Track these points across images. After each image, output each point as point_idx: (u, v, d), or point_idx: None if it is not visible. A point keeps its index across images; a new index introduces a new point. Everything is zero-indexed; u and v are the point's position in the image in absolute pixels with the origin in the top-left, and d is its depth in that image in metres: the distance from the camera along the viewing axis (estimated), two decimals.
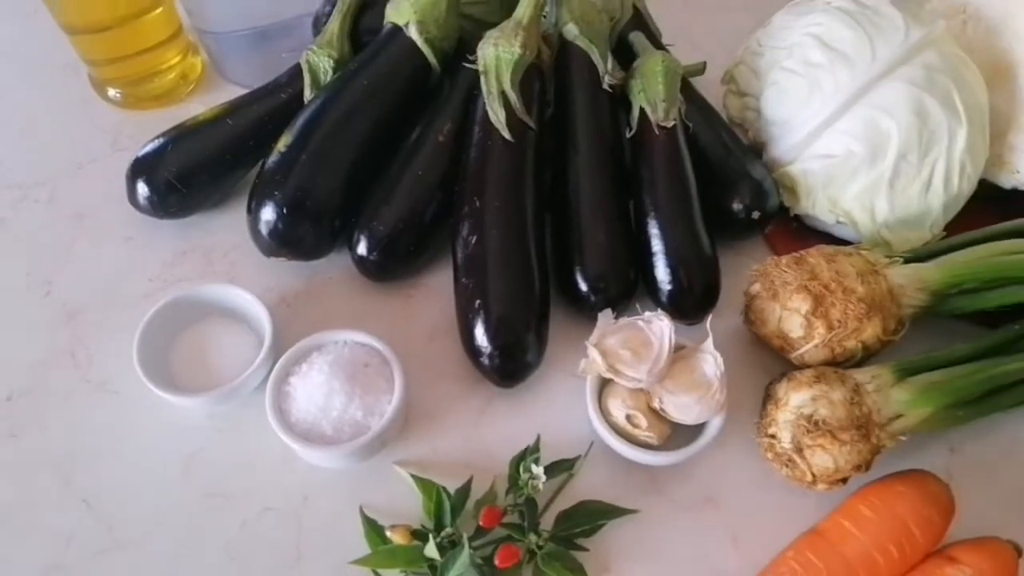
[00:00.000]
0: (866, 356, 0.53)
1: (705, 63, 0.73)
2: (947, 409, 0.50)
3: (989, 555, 0.47)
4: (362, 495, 0.53)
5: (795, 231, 0.63)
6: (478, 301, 0.55)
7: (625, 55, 0.64)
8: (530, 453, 0.53)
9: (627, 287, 0.58)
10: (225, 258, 0.64)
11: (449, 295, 0.58)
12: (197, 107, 0.69)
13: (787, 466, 0.50)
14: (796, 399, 0.50)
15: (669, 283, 0.57)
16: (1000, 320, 0.55)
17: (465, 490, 0.52)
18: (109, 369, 0.59)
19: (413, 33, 0.59)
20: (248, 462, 0.55)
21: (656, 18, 0.72)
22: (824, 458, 0.49)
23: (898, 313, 0.53)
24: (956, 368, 0.51)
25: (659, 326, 0.52)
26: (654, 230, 0.58)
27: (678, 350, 0.54)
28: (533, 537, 0.50)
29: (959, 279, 0.54)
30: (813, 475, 0.50)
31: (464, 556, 0.48)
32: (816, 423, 0.49)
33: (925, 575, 0.47)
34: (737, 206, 0.60)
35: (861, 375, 0.51)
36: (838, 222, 0.60)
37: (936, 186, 0.57)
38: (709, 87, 0.70)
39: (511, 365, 0.55)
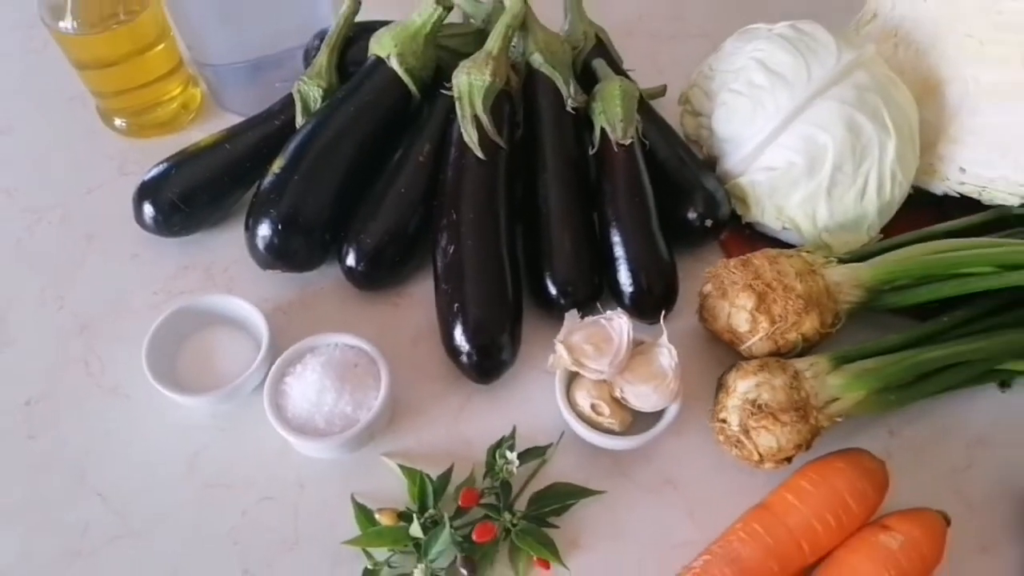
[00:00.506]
0: (807, 347, 0.59)
1: (665, 86, 0.79)
2: (879, 393, 0.55)
3: (920, 523, 0.52)
4: (353, 484, 0.58)
5: (747, 237, 0.69)
6: (456, 305, 0.60)
7: (589, 79, 0.70)
8: (505, 442, 0.59)
9: (592, 291, 0.63)
10: (225, 272, 0.70)
11: (431, 302, 0.64)
12: (197, 134, 0.74)
13: (736, 447, 0.56)
14: (743, 386, 0.55)
15: (630, 286, 0.63)
16: (929, 313, 0.60)
17: (446, 476, 0.57)
18: (119, 375, 0.64)
19: (394, 64, 0.65)
20: (248, 456, 0.60)
21: (623, 47, 0.78)
22: (768, 438, 0.54)
23: (835, 308, 0.59)
24: (887, 356, 0.57)
25: (619, 323, 0.58)
26: (616, 238, 0.63)
27: (637, 345, 0.59)
28: (508, 516, 0.55)
29: (891, 277, 0.60)
30: (760, 455, 0.55)
31: (445, 534, 0.53)
32: (760, 407, 0.54)
33: (860, 542, 0.52)
34: (692, 215, 0.65)
35: (801, 363, 0.56)
36: (784, 228, 0.66)
37: (870, 193, 0.63)
38: (669, 108, 0.76)
39: (488, 363, 0.61)
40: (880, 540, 0.51)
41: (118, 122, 0.79)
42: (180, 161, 0.68)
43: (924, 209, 0.68)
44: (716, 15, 0.91)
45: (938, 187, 0.67)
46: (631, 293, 0.63)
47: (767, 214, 0.66)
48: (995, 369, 0.60)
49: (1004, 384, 0.62)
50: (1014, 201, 0.64)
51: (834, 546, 0.52)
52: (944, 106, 0.66)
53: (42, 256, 0.71)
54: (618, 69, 0.72)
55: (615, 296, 0.64)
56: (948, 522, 0.53)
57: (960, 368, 0.57)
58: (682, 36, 0.89)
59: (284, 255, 0.64)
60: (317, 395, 0.57)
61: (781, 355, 0.58)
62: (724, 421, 0.56)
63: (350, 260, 0.64)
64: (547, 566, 0.54)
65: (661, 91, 0.79)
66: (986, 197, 0.65)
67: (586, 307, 0.62)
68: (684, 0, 0.93)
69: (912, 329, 0.59)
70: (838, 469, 0.54)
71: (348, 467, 0.59)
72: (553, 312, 0.63)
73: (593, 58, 0.71)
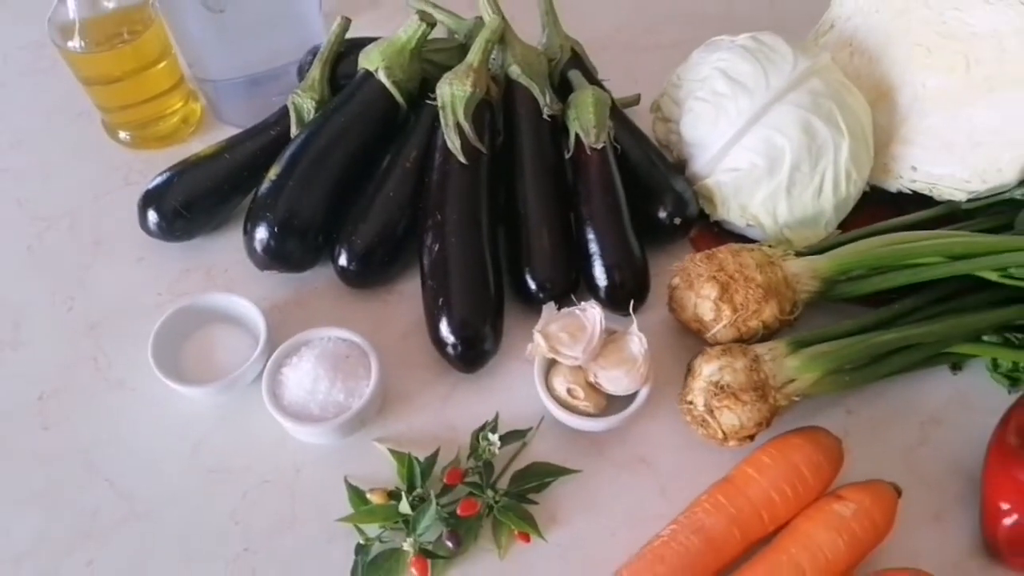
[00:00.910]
0: (768, 334, 0.63)
1: (639, 95, 0.84)
2: (833, 374, 0.59)
3: (871, 494, 0.56)
4: (346, 467, 0.62)
5: (716, 235, 0.73)
6: (441, 300, 0.65)
7: (566, 89, 0.75)
8: (488, 426, 0.63)
9: (569, 285, 0.68)
10: (225, 274, 0.74)
11: (419, 298, 0.68)
12: (197, 146, 0.78)
13: (702, 426, 0.60)
14: (707, 370, 0.59)
15: (604, 281, 0.67)
16: (882, 302, 0.64)
17: (433, 458, 0.61)
18: (126, 370, 0.68)
19: (382, 77, 0.70)
20: (247, 443, 0.64)
21: (601, 59, 0.82)
22: (730, 417, 0.58)
23: (793, 297, 0.63)
24: (841, 340, 0.61)
25: (592, 313, 0.62)
26: (590, 236, 0.68)
27: (610, 334, 0.63)
28: (491, 493, 0.59)
29: (847, 268, 0.64)
30: (724, 433, 0.59)
31: (432, 510, 0.57)
32: (722, 388, 0.58)
33: (816, 510, 0.56)
34: (663, 214, 0.70)
35: (760, 348, 0.60)
36: (748, 225, 0.70)
37: (826, 191, 0.67)
38: (644, 115, 0.81)
39: (471, 354, 0.65)
40: (834, 508, 0.55)
41: (123, 135, 0.84)
42: (182, 170, 0.73)
43: (881, 206, 0.72)
44: (688, 29, 0.95)
45: (892, 185, 0.72)
46: (605, 287, 0.67)
47: (732, 212, 0.70)
48: (946, 352, 0.64)
49: (956, 367, 0.66)
50: (961, 197, 0.68)
51: (792, 515, 0.56)
52: (896, 110, 0.71)
53: (52, 261, 0.75)
54: (592, 79, 0.76)
55: (591, 290, 0.68)
56: (899, 493, 0.57)
57: (911, 351, 0.62)
58: (656, 49, 0.94)
59: (280, 257, 0.69)
60: (312, 384, 0.61)
61: (744, 341, 0.63)
62: (691, 402, 0.60)
63: (342, 260, 0.69)
64: (527, 539, 0.58)
65: (635, 100, 0.84)
66: (936, 193, 0.70)
67: (563, 300, 0.66)
68: (658, 15, 0.98)
69: (866, 316, 0.63)
70: (796, 445, 0.58)
71: (342, 452, 0.63)
72: (533, 306, 0.67)
73: (569, 69, 0.75)
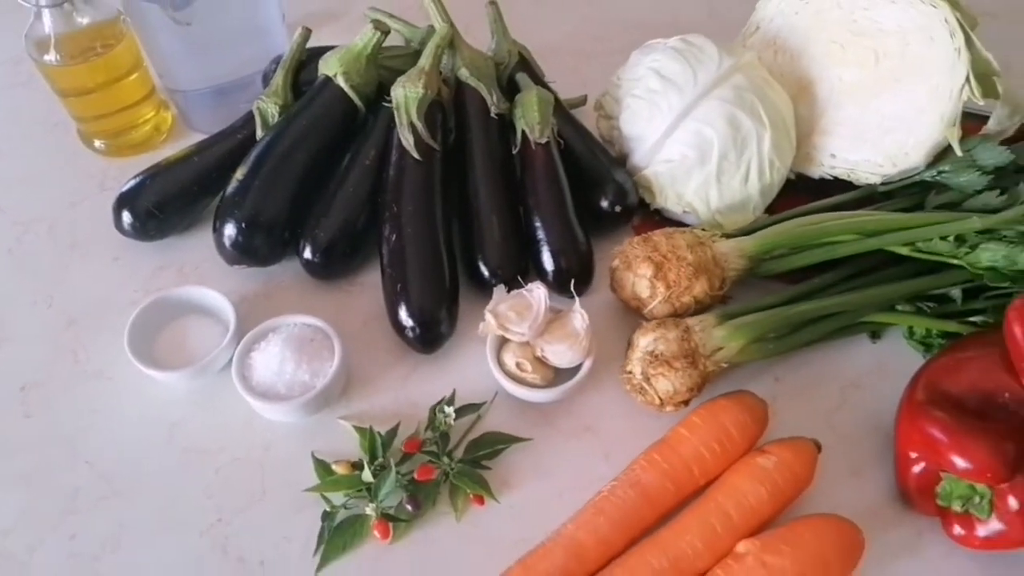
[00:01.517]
0: (700, 308, 0.68)
1: (586, 96, 0.90)
2: (757, 342, 0.65)
3: (792, 449, 0.62)
4: (313, 444, 0.67)
5: (656, 222, 0.78)
6: (399, 286, 0.70)
7: (515, 90, 0.80)
8: (445, 400, 0.68)
9: (519, 271, 0.73)
10: (196, 271, 0.78)
11: (380, 287, 0.72)
12: (169, 153, 0.81)
13: (641, 394, 0.65)
14: (643, 342, 0.65)
15: (551, 266, 0.72)
16: (805, 277, 0.70)
17: (393, 431, 0.66)
18: (103, 361, 0.72)
19: (340, 81, 0.75)
20: (219, 424, 0.68)
21: (552, 62, 0.88)
22: (664, 383, 0.63)
23: (722, 275, 0.68)
24: (764, 312, 0.66)
25: (537, 293, 0.67)
26: (537, 225, 0.73)
27: (556, 313, 0.68)
28: (447, 460, 0.64)
29: (771, 247, 0.70)
30: (660, 399, 0.64)
31: (392, 477, 0.62)
32: (657, 357, 0.63)
33: (742, 464, 0.61)
34: (605, 203, 0.75)
35: (692, 321, 0.66)
36: (684, 212, 0.76)
37: (752, 178, 0.73)
38: (591, 114, 0.86)
39: (429, 336, 0.70)
40: (758, 462, 0.60)
41: (98, 144, 0.88)
42: (154, 173, 0.77)
43: (806, 192, 0.78)
44: (635, 35, 1.01)
45: (815, 172, 0.78)
46: (552, 272, 0.72)
47: (669, 200, 0.76)
48: (864, 322, 0.70)
49: (875, 336, 0.72)
50: (876, 180, 0.75)
51: (721, 470, 0.61)
52: (815, 102, 0.77)
53: (32, 263, 0.79)
54: (539, 81, 0.82)
55: (539, 275, 0.73)
56: (819, 448, 0.63)
57: (828, 320, 0.67)
58: (603, 54, 0.99)
59: (248, 252, 0.73)
60: (279, 365, 0.66)
61: (679, 316, 0.68)
62: (630, 372, 0.65)
63: (307, 253, 0.73)
64: (481, 502, 0.63)
65: (582, 100, 0.90)
66: (854, 178, 0.76)
67: (514, 284, 0.71)
68: (607, 23, 1.04)
69: (789, 290, 0.69)
70: (724, 407, 0.63)
71: (309, 430, 0.68)
72: (487, 290, 0.71)
73: (517, 72, 0.81)
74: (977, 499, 0.58)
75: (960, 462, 0.56)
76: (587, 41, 1.02)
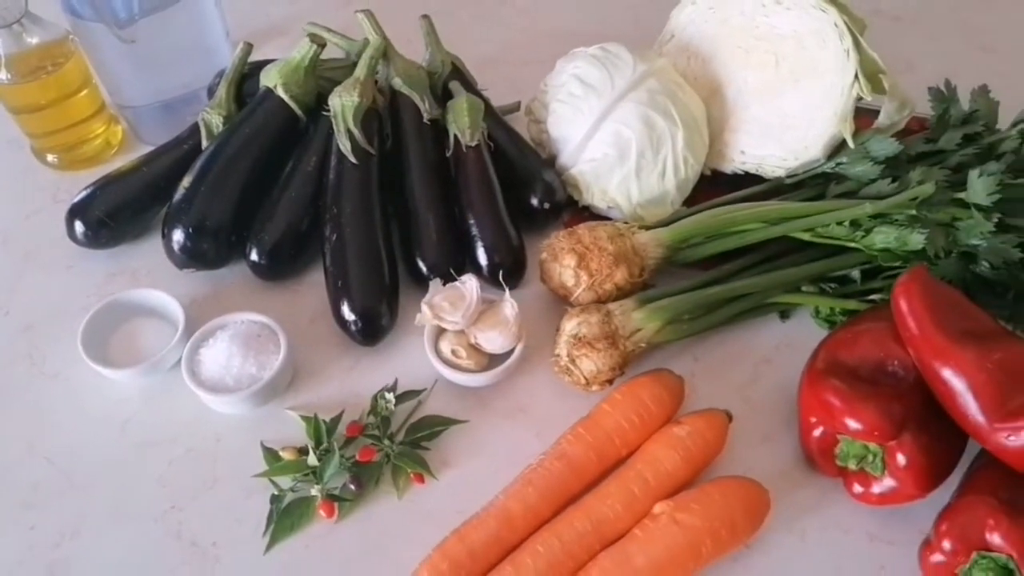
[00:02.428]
0: (622, 295, 0.74)
1: (519, 102, 0.95)
2: (672, 323, 0.71)
3: (705, 419, 0.67)
4: (262, 434, 0.70)
5: (586, 218, 0.84)
6: (341, 283, 0.74)
7: (449, 98, 0.85)
8: (386, 388, 0.72)
9: (455, 266, 0.77)
10: (148, 276, 0.82)
11: (324, 286, 0.77)
12: (121, 166, 0.86)
13: (568, 375, 0.70)
14: (569, 326, 0.70)
15: (485, 260, 0.77)
16: (718, 264, 0.76)
17: (337, 418, 0.70)
18: (59, 364, 0.75)
19: (280, 92, 0.80)
20: (172, 419, 0.72)
21: (488, 72, 0.93)
22: (588, 364, 0.68)
23: (641, 263, 0.74)
24: (679, 296, 0.72)
25: (470, 285, 0.72)
26: (471, 222, 0.78)
27: (489, 303, 0.73)
28: (387, 443, 0.68)
29: (686, 236, 0.75)
30: (585, 378, 0.69)
31: (335, 459, 0.66)
32: (580, 339, 0.68)
33: (659, 434, 0.66)
34: (534, 201, 0.81)
35: (612, 305, 0.71)
36: (609, 207, 0.81)
37: (668, 174, 0.79)
38: (524, 120, 0.92)
39: (370, 329, 0.74)
40: (673, 431, 0.66)
41: (50, 158, 0.91)
42: (105, 184, 0.81)
43: (721, 186, 0.84)
44: (566, 45, 1.07)
45: (728, 167, 0.84)
46: (486, 266, 0.77)
47: (595, 197, 0.81)
48: (773, 303, 0.76)
49: (784, 315, 0.78)
50: (782, 173, 0.81)
51: (641, 441, 0.67)
52: (725, 103, 0.83)
53: None
54: (471, 89, 0.87)
55: (475, 269, 0.78)
56: (730, 418, 0.68)
57: (739, 301, 0.73)
58: (535, 63, 1.04)
59: (196, 255, 0.77)
60: (226, 360, 0.70)
61: (603, 302, 0.73)
62: (558, 355, 0.70)
63: (253, 256, 0.78)
64: (421, 480, 0.68)
65: (516, 107, 0.95)
66: (763, 172, 0.82)
67: (450, 279, 0.76)
68: (540, 33, 1.10)
69: (703, 275, 0.75)
70: (643, 383, 0.69)
71: (257, 421, 0.72)
72: (425, 285, 0.76)
73: (451, 80, 0.86)
74: (870, 457, 0.63)
75: (852, 423, 0.62)
76: (521, 51, 1.08)
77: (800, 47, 0.78)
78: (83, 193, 0.81)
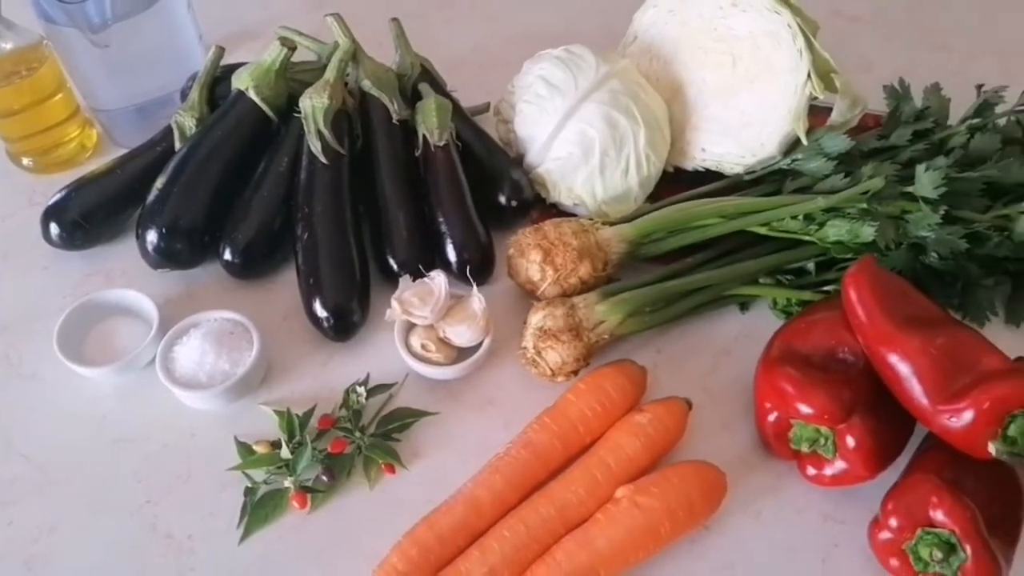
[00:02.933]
0: (588, 289, 0.76)
1: (489, 103, 0.98)
2: (634, 315, 0.73)
3: (666, 407, 0.69)
4: (236, 429, 0.72)
5: (553, 215, 0.86)
6: (313, 280, 0.76)
7: (419, 99, 0.87)
8: (358, 382, 0.74)
9: (426, 263, 0.79)
10: (122, 276, 0.83)
11: (296, 284, 0.79)
12: (95, 168, 0.87)
13: (534, 366, 0.72)
14: (535, 319, 0.72)
15: (454, 257, 0.79)
16: (680, 258, 0.79)
17: (310, 412, 0.72)
18: (36, 364, 0.77)
19: (252, 95, 0.81)
20: (147, 416, 0.73)
21: (457, 74, 0.95)
22: (554, 355, 0.71)
23: (605, 258, 0.76)
24: (641, 288, 0.74)
25: (439, 280, 0.74)
26: (440, 220, 0.80)
27: (458, 298, 0.75)
28: (359, 435, 0.70)
29: (648, 231, 0.78)
30: (551, 370, 0.71)
31: (308, 452, 0.68)
32: (545, 332, 0.71)
33: (622, 422, 0.68)
34: (502, 198, 0.83)
35: (577, 299, 0.73)
36: (575, 204, 0.84)
37: (631, 172, 0.82)
38: (492, 120, 0.94)
39: (342, 325, 0.76)
40: (635, 419, 0.68)
41: (26, 161, 0.92)
42: (79, 186, 0.82)
43: (683, 183, 0.86)
44: (535, 47, 1.09)
45: (689, 164, 0.87)
46: (455, 263, 0.79)
47: (562, 194, 0.84)
48: (732, 295, 0.78)
49: (743, 307, 0.81)
50: (740, 169, 0.84)
51: (604, 428, 0.69)
52: (686, 103, 0.86)
53: None
54: (440, 90, 0.89)
55: (444, 266, 0.80)
56: (690, 406, 0.71)
57: (698, 293, 0.76)
58: (505, 65, 1.06)
59: (170, 256, 0.79)
60: (200, 357, 0.72)
61: (568, 296, 0.76)
62: (524, 347, 0.73)
63: (227, 255, 0.79)
64: (392, 470, 0.69)
65: (485, 108, 0.97)
66: (722, 169, 0.85)
67: (420, 275, 0.78)
68: (510, 36, 1.12)
69: (664, 269, 0.77)
70: (606, 374, 0.71)
71: (232, 416, 0.73)
72: (396, 282, 0.78)
73: (420, 82, 0.88)
74: (822, 440, 0.66)
75: (804, 408, 0.65)
76: (490, 54, 1.10)
77: (755, 48, 0.80)
78: (58, 195, 0.82)
